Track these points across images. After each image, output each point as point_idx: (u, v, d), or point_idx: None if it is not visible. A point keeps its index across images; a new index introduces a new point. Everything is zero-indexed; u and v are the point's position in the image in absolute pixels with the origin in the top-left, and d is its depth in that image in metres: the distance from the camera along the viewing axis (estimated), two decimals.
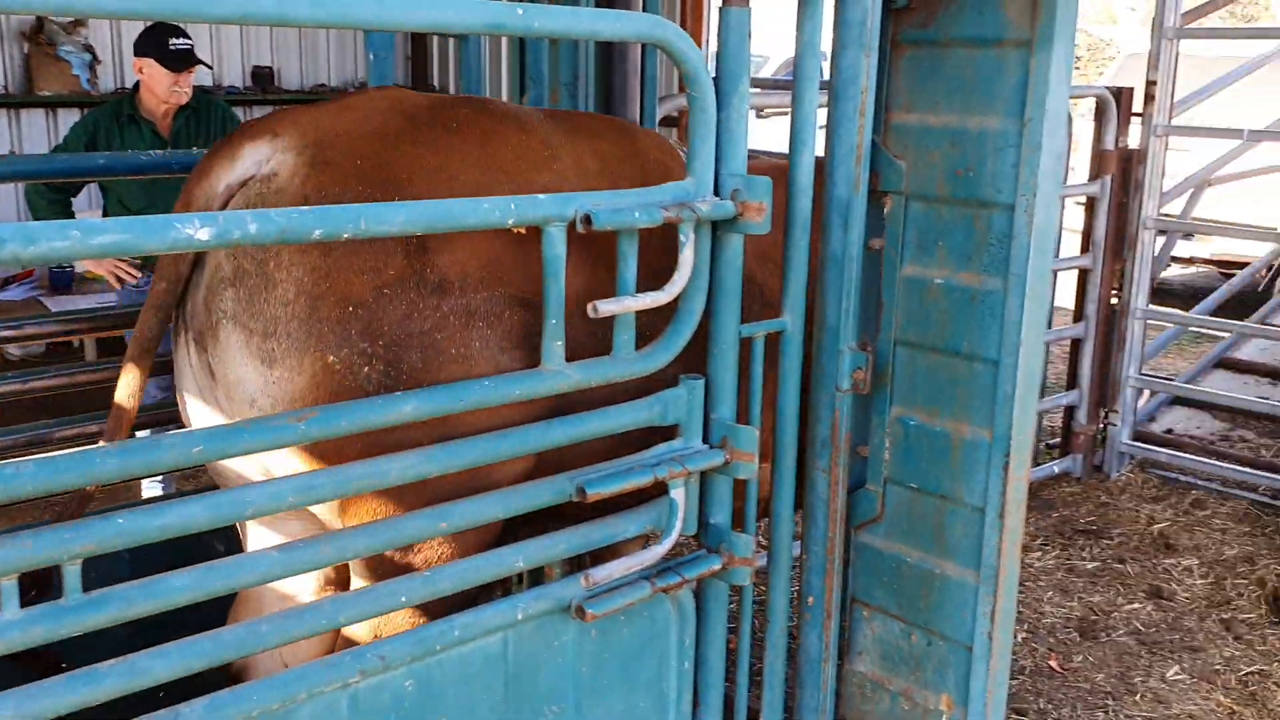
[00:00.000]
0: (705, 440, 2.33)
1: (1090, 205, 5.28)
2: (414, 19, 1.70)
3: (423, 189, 2.14)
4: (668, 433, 2.29)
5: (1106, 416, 5.56)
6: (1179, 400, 6.19)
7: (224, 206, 2.15)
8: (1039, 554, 4.69)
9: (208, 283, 2.18)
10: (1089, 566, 4.60)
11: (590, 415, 2.14)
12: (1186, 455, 5.40)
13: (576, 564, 2.76)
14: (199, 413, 2.28)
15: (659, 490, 2.26)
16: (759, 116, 9.06)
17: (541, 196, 1.93)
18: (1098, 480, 5.48)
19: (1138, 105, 5.24)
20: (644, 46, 3.19)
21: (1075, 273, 5.51)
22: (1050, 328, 4.75)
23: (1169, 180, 5.51)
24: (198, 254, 2.19)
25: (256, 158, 2.17)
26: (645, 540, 2.46)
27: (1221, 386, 6.22)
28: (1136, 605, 4.29)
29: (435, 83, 8.35)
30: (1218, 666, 3.85)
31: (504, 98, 4.08)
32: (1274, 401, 5.87)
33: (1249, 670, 3.83)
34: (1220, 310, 6.14)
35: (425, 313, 2.13)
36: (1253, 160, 6.69)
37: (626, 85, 3.13)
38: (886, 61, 2.52)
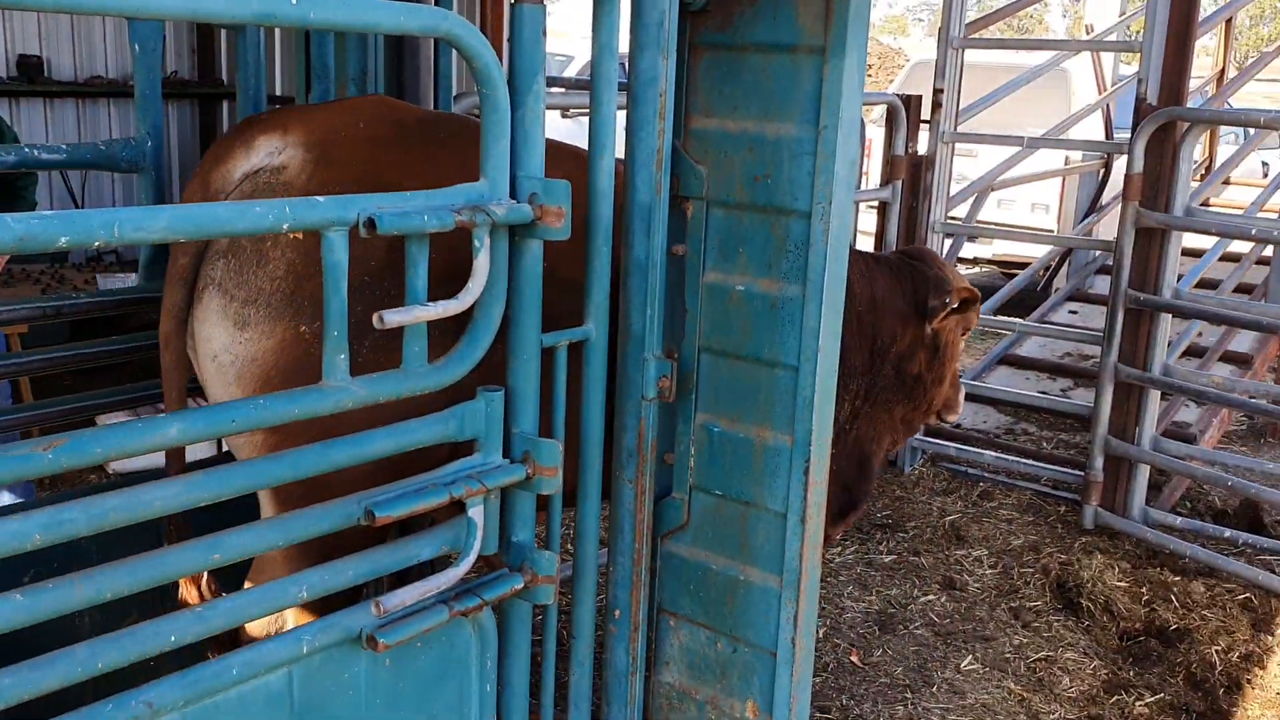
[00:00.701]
0: (506, 455, 2.23)
1: (882, 209, 5.44)
2: (172, 7, 1.55)
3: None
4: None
5: None
6: (966, 396, 6.45)
7: (236, 190, 2.37)
8: (838, 549, 4.79)
9: (206, 254, 2.38)
10: (886, 560, 4.73)
11: (378, 433, 2.02)
12: (973, 449, 5.63)
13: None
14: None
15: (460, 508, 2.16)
16: (564, 116, 9.02)
17: (321, 199, 1.80)
18: (892, 474, 5.66)
19: (926, 113, 5.43)
20: (436, 42, 3.07)
21: None
22: None
23: (955, 185, 5.73)
24: None
25: (269, 149, 2.38)
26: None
27: (1005, 382, 6.53)
28: (931, 597, 4.43)
29: (224, 78, 7.93)
30: (1008, 654, 4.01)
31: (288, 92, 3.87)
32: (1053, 396, 6.20)
33: (1036, 657, 4.00)
34: (1003, 309, 6.44)
35: (394, 302, 2.22)
36: (1032, 165, 7.07)
37: (418, 82, 3.01)
38: (685, 65, 2.49)
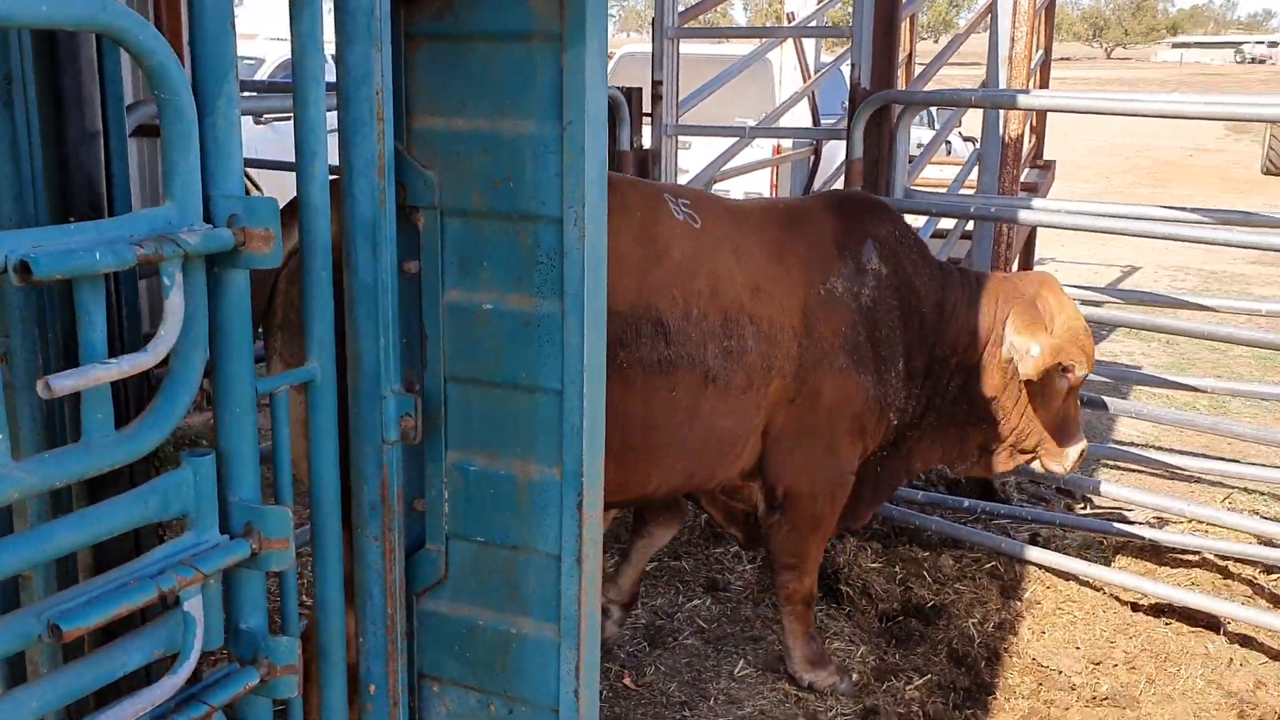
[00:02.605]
0: (224, 530, 1.86)
1: None
2: None
3: None
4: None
5: None
6: None
7: None
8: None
9: None
10: (648, 568, 4.56)
11: (54, 527, 1.61)
12: None
13: None
14: None
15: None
16: (258, 123, 8.39)
17: None
18: None
19: (647, 105, 5.31)
20: (99, 39, 2.60)
21: None
22: None
23: (682, 177, 5.65)
24: None
25: None
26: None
27: None
28: (697, 601, 4.30)
29: None
30: (779, 653, 3.92)
31: None
32: None
33: None
34: None
35: None
36: (744, 156, 7.13)
37: (81, 88, 2.52)
38: (402, 58, 2.18)
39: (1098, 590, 4.34)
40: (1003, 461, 3.83)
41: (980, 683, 3.82)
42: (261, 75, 10.43)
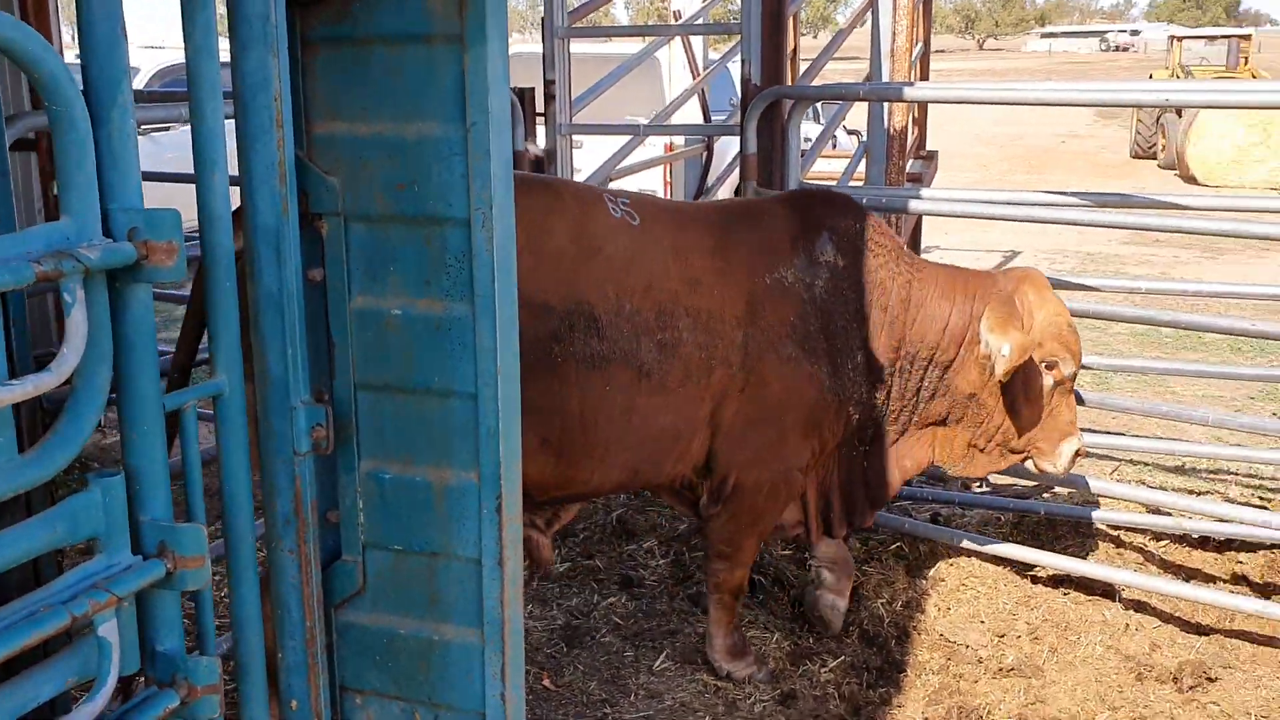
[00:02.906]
0: (137, 551, 1.81)
1: None
2: None
3: None
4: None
5: None
6: None
7: None
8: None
9: None
10: (561, 568, 4.57)
11: None
12: None
13: None
14: None
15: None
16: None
17: None
18: None
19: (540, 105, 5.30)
20: None
21: None
22: None
23: (577, 177, 5.66)
24: None
25: None
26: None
27: None
28: (613, 599, 4.31)
29: None
30: (697, 645, 3.96)
31: None
32: None
33: None
34: None
35: None
36: (636, 154, 7.16)
37: None
38: (299, 64, 2.14)
39: (999, 565, 4.48)
40: (993, 461, 3.79)
41: (892, 661, 3.91)
42: (137, 85, 10.14)
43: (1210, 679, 3.80)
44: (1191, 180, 19.62)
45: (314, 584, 2.24)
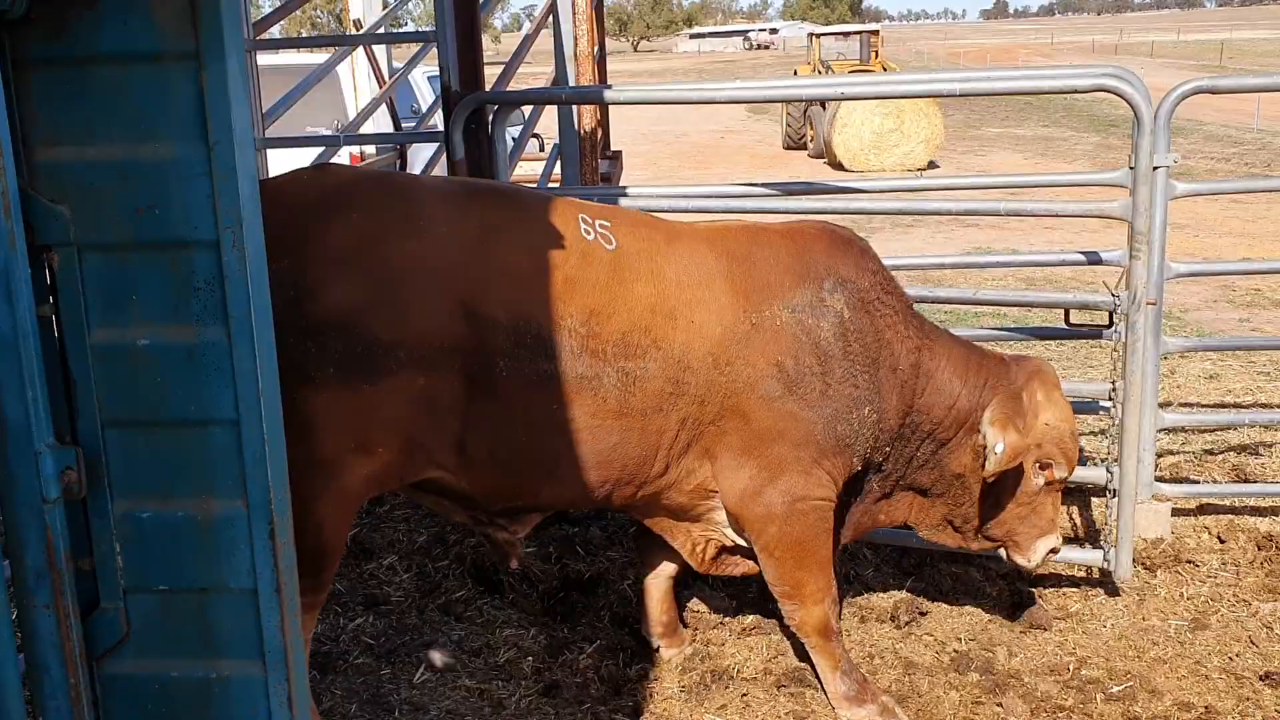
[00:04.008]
0: None
1: None
2: None
3: None
4: None
5: None
6: None
7: None
8: None
9: None
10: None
11: None
12: None
13: None
14: None
15: None
16: None
17: None
18: None
19: None
20: None
21: None
22: None
23: None
24: None
25: None
26: None
27: None
28: (360, 620, 4.23)
29: None
30: (453, 651, 3.97)
31: None
32: None
33: (479, 645, 4.01)
34: None
35: None
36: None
37: None
38: (12, 87, 2.00)
39: None
40: (968, 539, 3.77)
41: (645, 639, 4.08)
42: None
43: (922, 613, 4.22)
44: (839, 167, 21.32)
45: (75, 638, 2.11)
